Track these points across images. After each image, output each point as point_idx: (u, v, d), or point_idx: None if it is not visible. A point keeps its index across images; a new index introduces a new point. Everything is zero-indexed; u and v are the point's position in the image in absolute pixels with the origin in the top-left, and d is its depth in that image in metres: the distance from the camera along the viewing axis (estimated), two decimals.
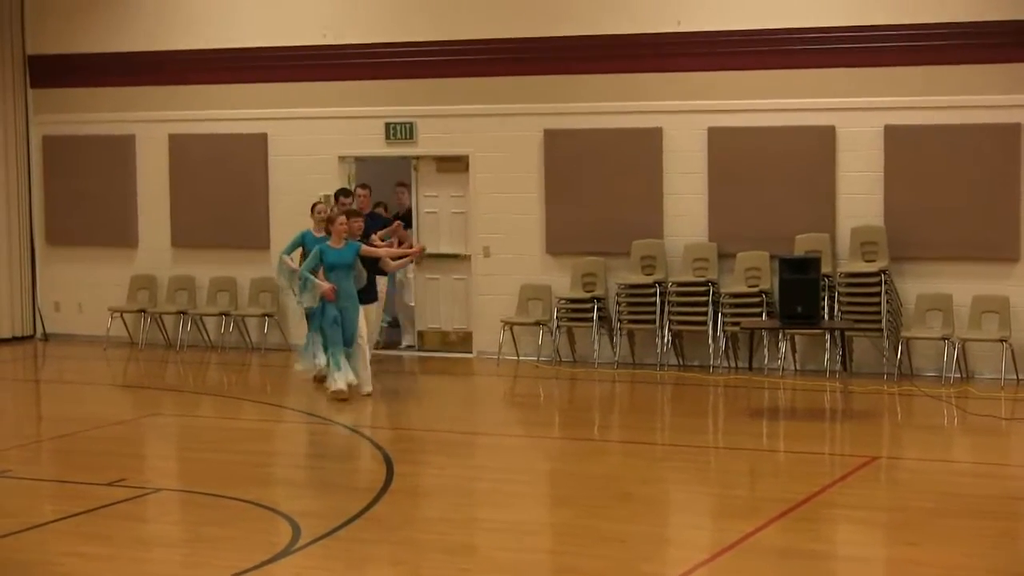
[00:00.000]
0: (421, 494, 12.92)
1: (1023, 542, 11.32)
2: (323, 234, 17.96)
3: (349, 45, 21.46)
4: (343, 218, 17.15)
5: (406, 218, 21.40)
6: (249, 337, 22.16)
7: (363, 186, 19.93)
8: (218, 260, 22.37)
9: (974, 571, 9.94)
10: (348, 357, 17.12)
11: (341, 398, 16.96)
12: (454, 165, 21.42)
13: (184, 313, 22.35)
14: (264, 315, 21.83)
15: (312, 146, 21.74)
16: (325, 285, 16.82)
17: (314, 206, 18.87)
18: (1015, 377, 18.14)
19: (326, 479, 13.66)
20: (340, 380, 16.99)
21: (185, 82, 22.41)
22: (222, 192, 22.24)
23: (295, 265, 17.75)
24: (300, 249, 18.31)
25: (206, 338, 22.38)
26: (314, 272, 16.92)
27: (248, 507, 11.96)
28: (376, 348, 19.47)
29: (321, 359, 17.17)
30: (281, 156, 22.00)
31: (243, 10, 22.13)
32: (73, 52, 22.99)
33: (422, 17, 21.16)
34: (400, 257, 18.45)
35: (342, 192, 19.80)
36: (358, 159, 21.91)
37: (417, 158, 21.69)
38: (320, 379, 17.78)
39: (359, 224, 17.66)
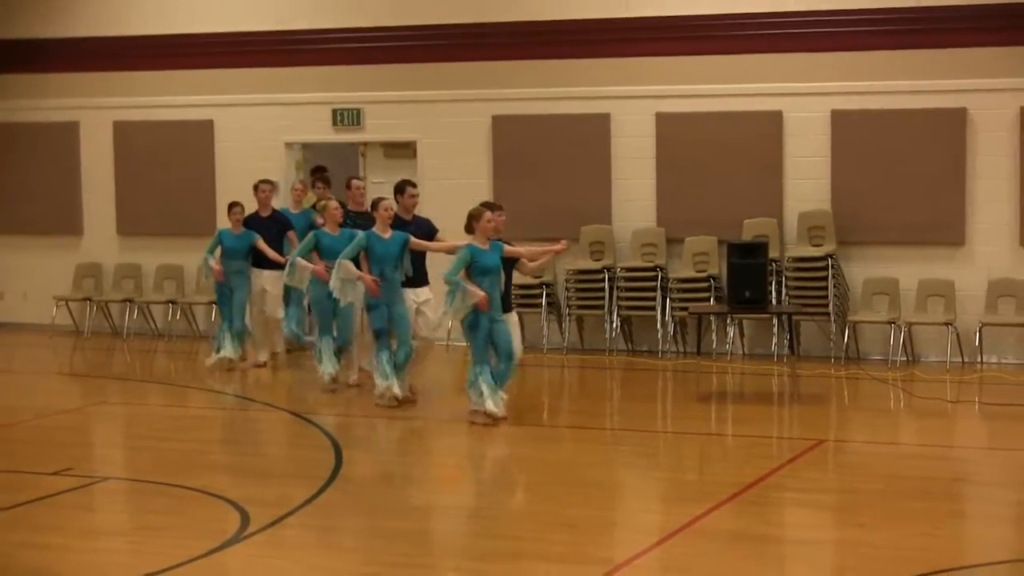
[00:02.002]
0: (370, 480, 12.91)
1: (970, 523, 11.39)
2: (241, 231, 18.28)
3: (296, 31, 21.39)
4: (388, 202, 15.67)
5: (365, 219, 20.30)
6: (196, 324, 22.08)
7: (358, 178, 18.98)
8: (164, 247, 22.28)
9: (923, 552, 10.00)
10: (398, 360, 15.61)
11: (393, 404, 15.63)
12: (402, 151, 21.40)
13: (130, 301, 22.25)
14: (210, 302, 21.70)
15: (258, 132, 21.67)
16: (368, 278, 15.29)
17: (256, 187, 19.01)
18: (960, 360, 18.28)
19: (274, 466, 13.63)
20: (388, 385, 15.56)
21: (130, 68, 22.29)
22: (168, 179, 22.14)
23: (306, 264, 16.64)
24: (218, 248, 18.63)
25: (153, 326, 22.29)
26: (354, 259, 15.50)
27: (196, 495, 11.93)
28: None
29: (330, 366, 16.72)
30: (227, 143, 21.93)
31: None
32: (16, 38, 22.83)
33: (370, 3, 21.12)
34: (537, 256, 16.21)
35: (318, 170, 20.14)
36: (305, 145, 21.87)
37: (364, 144, 21.66)
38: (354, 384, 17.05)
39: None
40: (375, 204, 15.73)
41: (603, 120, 20.06)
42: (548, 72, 20.24)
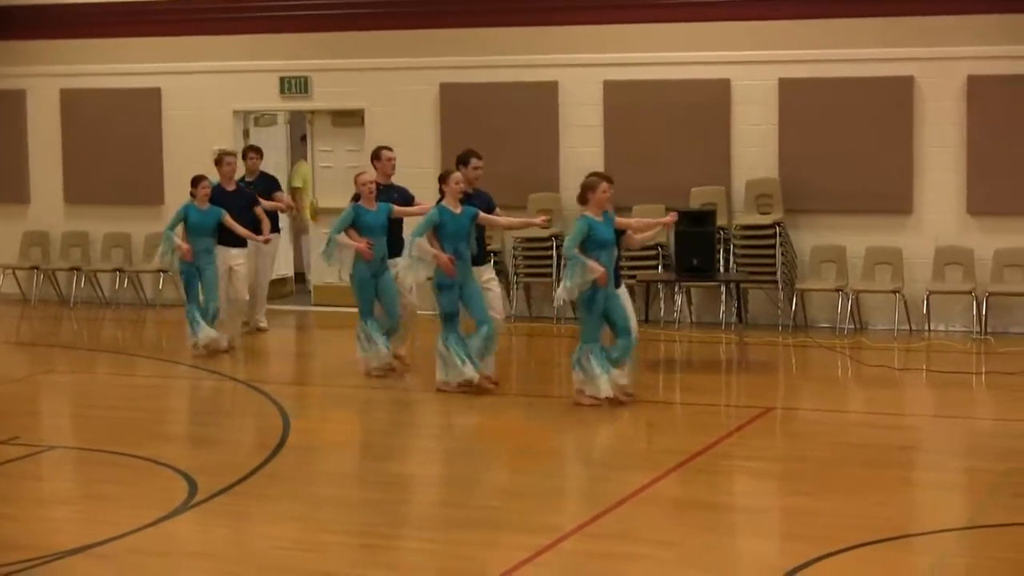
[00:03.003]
0: (319, 449, 12.85)
1: (917, 490, 11.42)
2: (207, 206, 17.09)
3: None
4: (458, 175, 14.63)
5: (266, 184, 19.06)
6: (144, 293, 21.93)
7: (388, 148, 16.73)
8: (112, 216, 22.09)
9: (870, 519, 10.01)
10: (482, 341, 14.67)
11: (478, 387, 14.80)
12: (349, 119, 21.30)
13: (77, 270, 22.07)
14: (158, 271, 21.56)
15: (206, 101, 21.51)
16: (443, 257, 14.29)
17: (220, 160, 18.01)
18: (908, 328, 18.31)
19: (222, 435, 13.56)
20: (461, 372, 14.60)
21: (77, 36, 22.06)
22: (115, 147, 21.95)
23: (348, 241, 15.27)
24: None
25: (100, 294, 22.12)
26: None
27: (144, 464, 11.84)
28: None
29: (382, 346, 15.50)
30: (175, 111, 21.76)
31: None
32: None
33: None
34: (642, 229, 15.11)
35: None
36: (251, 113, 21.74)
37: (312, 112, 21.55)
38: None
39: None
40: (444, 177, 14.67)
41: (551, 88, 20.00)
42: (496, 40, 20.15)
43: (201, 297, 17.23)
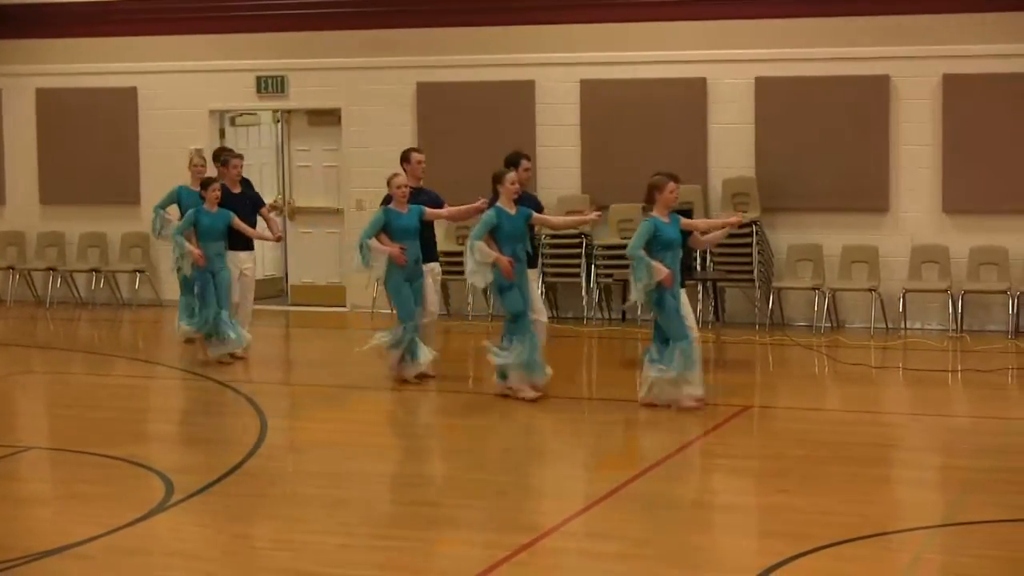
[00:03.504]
0: (296, 448, 12.84)
1: (894, 488, 11.44)
2: (216, 209, 16.38)
3: None
4: (513, 176, 14.29)
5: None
6: (120, 293, 21.89)
7: (418, 150, 16.38)
8: (88, 216, 22.04)
9: (847, 516, 10.03)
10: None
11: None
12: (326, 118, 21.27)
13: (53, 270, 22.02)
14: (135, 271, 21.56)
15: (183, 100, 21.49)
16: (504, 259, 13.94)
17: (227, 160, 17.14)
18: (884, 326, 18.35)
19: (199, 435, 13.53)
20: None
21: (53, 35, 22.01)
22: (91, 147, 21.91)
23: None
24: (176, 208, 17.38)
25: (76, 294, 22.07)
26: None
27: (121, 464, 11.80)
28: None
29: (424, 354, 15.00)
30: (151, 110, 21.72)
31: None
32: None
33: None
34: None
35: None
36: (227, 112, 21.70)
37: (289, 111, 21.52)
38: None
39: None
40: (499, 177, 14.27)
41: (527, 87, 20.00)
42: (472, 39, 20.16)
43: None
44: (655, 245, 13.39)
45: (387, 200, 15.14)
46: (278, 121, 21.89)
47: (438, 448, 13.09)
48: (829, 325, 18.53)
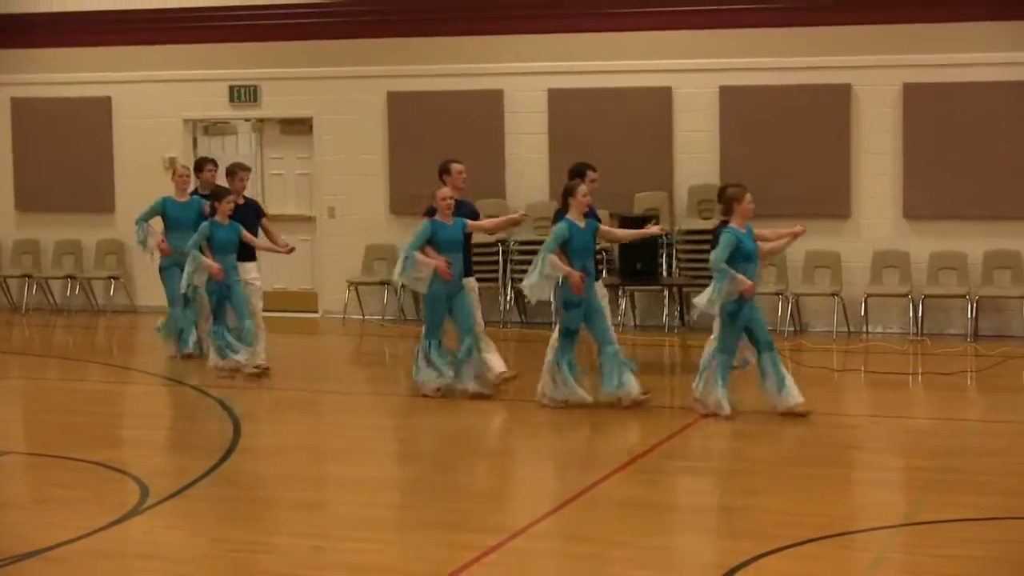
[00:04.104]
0: (269, 452, 12.80)
1: (857, 488, 11.47)
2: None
3: (193, 8, 21.17)
4: (585, 188, 13.86)
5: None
6: (95, 299, 21.82)
7: (458, 161, 15.40)
8: (63, 223, 21.97)
9: (810, 516, 10.04)
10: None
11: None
12: (298, 127, 21.24)
13: (29, 276, 21.93)
14: (110, 277, 21.50)
15: (157, 109, 21.44)
16: (576, 274, 13.56)
17: (234, 172, 16.47)
18: (846, 330, 18.41)
19: (174, 439, 13.50)
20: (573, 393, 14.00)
21: (28, 45, 21.93)
22: (66, 155, 21.84)
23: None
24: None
25: (52, 301, 22.00)
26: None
27: (97, 468, 11.76)
28: None
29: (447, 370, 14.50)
30: (126, 119, 21.66)
31: None
32: None
33: None
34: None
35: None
36: (201, 122, 21.65)
37: (261, 120, 21.48)
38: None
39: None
40: (571, 190, 13.79)
41: (496, 96, 20.01)
42: (442, 49, 20.15)
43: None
44: (736, 257, 13.06)
45: (430, 212, 14.61)
46: (257, 130, 21.85)
47: (408, 451, 13.07)
48: (793, 329, 18.58)
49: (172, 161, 17.88)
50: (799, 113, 18.77)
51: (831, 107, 18.71)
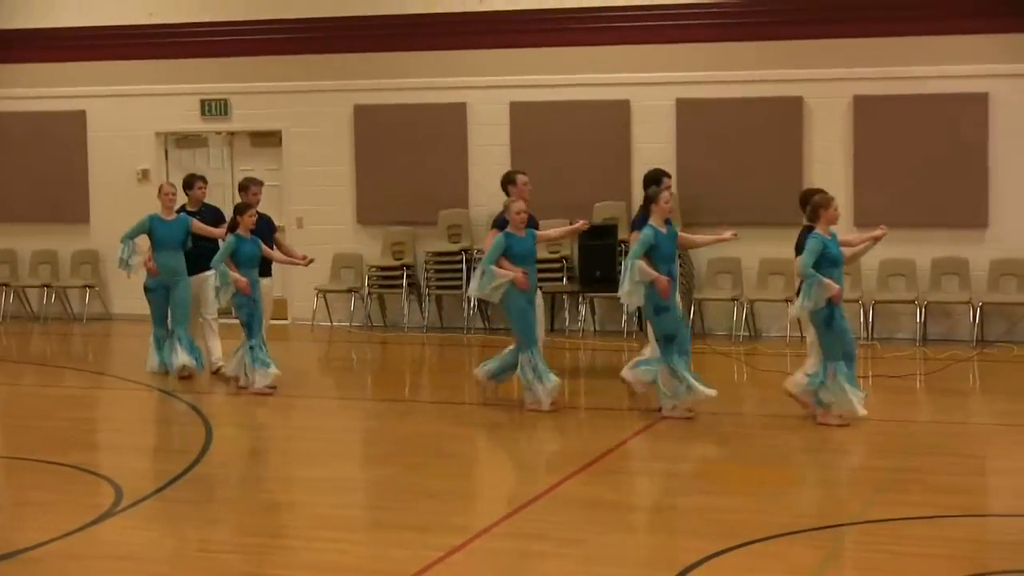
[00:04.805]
0: (241, 455, 12.78)
1: (810, 488, 11.49)
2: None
3: (165, 25, 21.10)
4: (667, 195, 13.62)
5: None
6: (71, 308, 21.74)
7: (523, 172, 15.13)
8: (39, 233, 21.88)
9: (766, 516, 10.06)
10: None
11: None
12: (268, 140, 21.21)
13: (6, 285, 21.84)
14: (85, 286, 21.43)
15: (130, 123, 21.37)
16: (663, 279, 13.27)
17: (247, 187, 15.85)
18: (800, 334, 18.39)
19: (147, 443, 13.46)
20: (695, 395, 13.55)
21: (5, 61, 21.83)
22: (42, 168, 21.76)
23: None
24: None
25: (28, 309, 21.90)
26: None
27: (72, 471, 11.71)
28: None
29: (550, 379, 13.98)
30: (100, 132, 21.59)
31: None
32: None
33: None
34: None
35: (252, 182, 16.08)
36: (172, 135, 21.59)
37: (232, 133, 21.43)
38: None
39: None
40: (654, 197, 13.45)
41: (460, 109, 20.01)
42: (407, 64, 20.15)
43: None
44: (823, 262, 12.84)
45: (501, 224, 14.22)
46: (228, 143, 21.76)
47: (374, 454, 13.05)
48: (747, 334, 18.63)
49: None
50: (753, 125, 18.82)
51: (784, 119, 18.78)
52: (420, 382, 17.23)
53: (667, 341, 13.42)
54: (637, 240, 13.37)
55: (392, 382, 16.68)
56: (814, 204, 13.18)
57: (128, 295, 21.11)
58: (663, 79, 19.19)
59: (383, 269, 20.05)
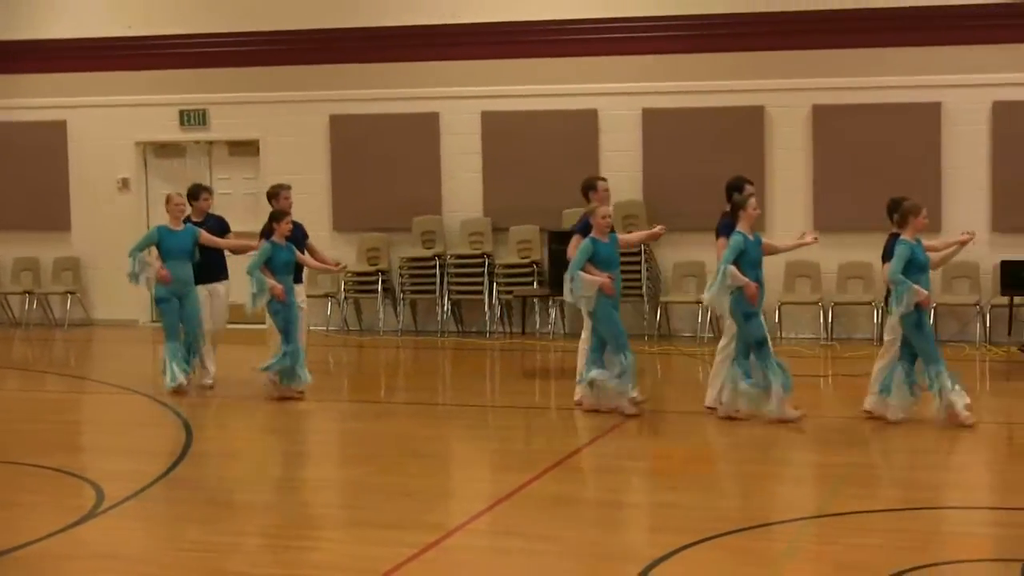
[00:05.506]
0: (220, 456, 12.76)
1: (772, 483, 11.52)
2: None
3: (145, 37, 21.07)
4: (754, 201, 13.38)
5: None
6: (52, 314, 21.68)
7: (603, 178, 14.86)
8: (21, 241, 21.81)
9: (730, 511, 10.11)
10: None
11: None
12: (246, 149, 21.18)
13: None
14: (66, 292, 21.37)
15: (110, 132, 21.32)
16: (752, 285, 13.07)
17: (277, 193, 15.46)
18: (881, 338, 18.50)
19: (128, 445, 13.40)
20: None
21: None
22: (24, 176, 21.69)
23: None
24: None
25: (10, 315, 21.83)
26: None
27: (54, 474, 11.66)
28: None
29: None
30: (80, 142, 21.54)
31: (42, 1, 21.58)
32: None
33: (215, 11, 20.86)
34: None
35: (282, 188, 15.60)
36: (151, 144, 21.54)
37: (210, 143, 21.40)
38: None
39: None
40: (742, 203, 13.24)
41: (432, 119, 20.03)
42: (382, 74, 20.16)
43: None
44: (911, 268, 12.62)
45: (583, 229, 13.88)
46: (206, 152, 21.72)
47: (351, 454, 13.04)
48: (711, 335, 18.66)
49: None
50: (716, 133, 18.89)
51: (746, 127, 18.85)
52: (395, 384, 17.23)
53: (758, 347, 13.16)
54: (728, 246, 13.12)
55: (368, 384, 16.68)
56: (903, 211, 12.95)
57: (109, 301, 21.18)
58: (630, 89, 19.25)
59: (359, 274, 20.05)
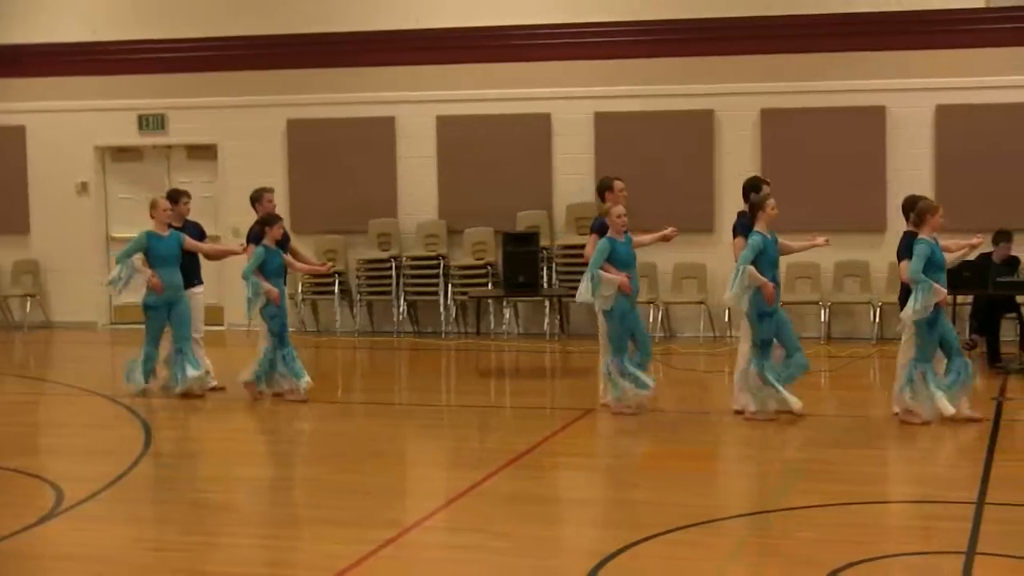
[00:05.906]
0: (179, 456, 12.70)
1: (725, 479, 11.57)
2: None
3: (104, 42, 20.99)
4: (773, 201, 13.09)
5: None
6: (12, 316, 21.54)
7: (619, 179, 14.65)
8: None
9: (683, 507, 10.10)
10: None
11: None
12: (204, 153, 21.11)
13: None
14: (26, 295, 21.24)
15: (69, 137, 21.21)
16: (770, 285, 12.94)
17: (261, 196, 15.50)
18: (712, 335, 18.58)
19: (88, 446, 13.30)
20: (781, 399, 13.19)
21: None
22: None
23: None
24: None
25: None
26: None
27: (12, 475, 11.57)
28: None
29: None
30: (39, 147, 21.41)
31: (1, 6, 21.46)
32: None
33: (173, 16, 20.77)
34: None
35: (265, 191, 15.71)
36: (110, 148, 21.44)
37: (169, 147, 21.31)
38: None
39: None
40: (761, 203, 13.02)
41: (388, 123, 20.01)
42: (338, 79, 20.14)
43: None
44: (929, 267, 12.49)
45: (600, 229, 13.77)
46: (164, 156, 21.60)
47: (311, 453, 13.01)
48: (663, 335, 18.72)
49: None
50: (667, 136, 18.94)
51: (696, 131, 18.91)
52: (353, 384, 17.19)
53: (763, 347, 13.10)
54: (747, 246, 12.97)
55: (325, 385, 16.61)
56: (920, 210, 12.78)
57: (68, 304, 21.06)
58: (582, 94, 19.28)
59: (316, 276, 19.98)
